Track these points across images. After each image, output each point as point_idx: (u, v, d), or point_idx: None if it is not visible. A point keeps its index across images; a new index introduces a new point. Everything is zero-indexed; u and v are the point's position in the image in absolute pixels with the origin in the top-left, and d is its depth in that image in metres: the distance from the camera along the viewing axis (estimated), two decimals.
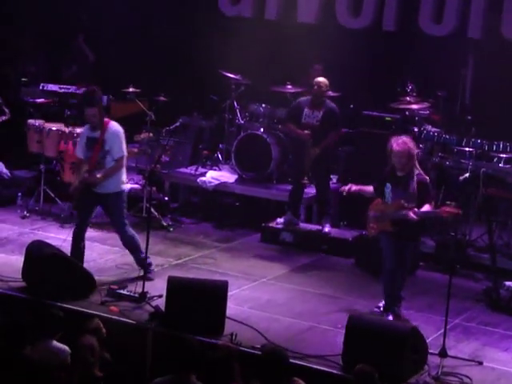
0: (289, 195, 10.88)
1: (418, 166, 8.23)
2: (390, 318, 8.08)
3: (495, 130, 10.81)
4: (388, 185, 8.22)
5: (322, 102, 10.46)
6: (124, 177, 8.91)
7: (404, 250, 8.22)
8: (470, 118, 11.14)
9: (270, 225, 10.88)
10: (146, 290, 8.36)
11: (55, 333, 6.92)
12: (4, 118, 10.49)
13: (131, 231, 8.93)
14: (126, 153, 8.93)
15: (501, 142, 10.30)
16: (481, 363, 7.56)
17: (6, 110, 10.49)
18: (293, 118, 10.71)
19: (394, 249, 8.21)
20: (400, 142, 8.17)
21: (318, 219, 10.98)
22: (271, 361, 6.15)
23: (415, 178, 8.09)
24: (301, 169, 10.59)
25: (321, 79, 10.52)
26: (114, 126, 8.85)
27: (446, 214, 7.95)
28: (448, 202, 8.14)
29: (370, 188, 8.47)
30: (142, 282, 8.39)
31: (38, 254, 8.54)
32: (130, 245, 8.92)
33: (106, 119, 8.84)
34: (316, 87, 10.47)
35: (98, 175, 8.67)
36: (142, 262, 8.75)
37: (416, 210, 7.98)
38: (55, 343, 6.85)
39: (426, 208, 8.01)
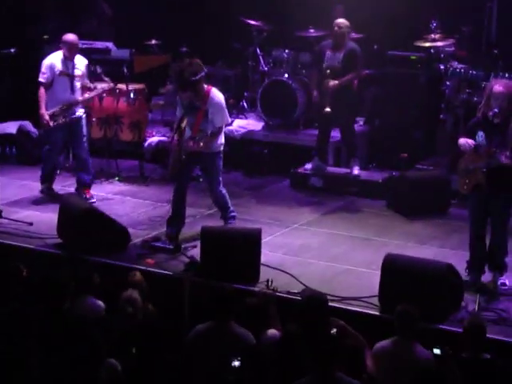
0: (316, 141, 10.84)
1: None
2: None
3: None
4: (480, 133, 7.49)
5: (344, 43, 10.33)
6: (222, 138, 8.75)
7: (500, 205, 7.55)
8: (496, 51, 10.99)
9: (299, 170, 10.88)
10: (180, 240, 8.42)
11: (89, 288, 7.00)
12: (106, 87, 10.25)
13: (223, 190, 8.83)
14: (228, 120, 8.92)
15: None
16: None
17: (106, 79, 10.30)
18: (316, 63, 10.63)
19: (482, 209, 7.62)
20: (503, 83, 7.56)
21: (347, 162, 10.95)
22: (311, 305, 6.19)
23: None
24: (321, 103, 10.46)
25: (341, 20, 10.37)
26: (216, 95, 8.58)
27: None
28: None
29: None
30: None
31: (71, 210, 8.61)
32: (221, 203, 8.84)
33: (206, 87, 8.56)
34: (336, 28, 10.32)
35: (201, 144, 8.45)
36: (226, 218, 8.80)
37: (508, 153, 7.31)
38: (92, 299, 6.92)
39: None
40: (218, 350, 6.32)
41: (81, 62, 9.87)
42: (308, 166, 10.85)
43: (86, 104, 10.10)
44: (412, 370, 5.98)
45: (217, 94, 8.62)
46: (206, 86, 8.58)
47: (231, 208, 8.88)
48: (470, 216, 7.89)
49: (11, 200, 9.85)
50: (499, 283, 7.69)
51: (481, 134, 7.52)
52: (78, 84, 9.80)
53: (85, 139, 10.01)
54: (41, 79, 9.76)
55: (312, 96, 10.98)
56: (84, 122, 10.02)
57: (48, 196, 9.99)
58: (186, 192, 8.81)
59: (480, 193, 7.61)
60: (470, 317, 6.75)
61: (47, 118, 9.68)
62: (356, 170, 10.59)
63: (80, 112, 9.90)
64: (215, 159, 8.73)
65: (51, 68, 9.73)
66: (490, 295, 7.54)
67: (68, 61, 9.74)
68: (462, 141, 7.61)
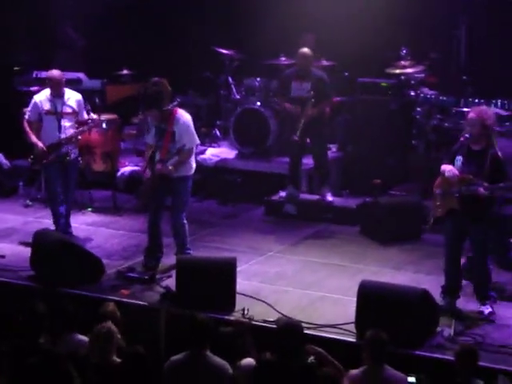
0: (288, 169, 10.86)
1: (495, 142, 7.49)
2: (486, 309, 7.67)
3: (492, 88, 10.80)
4: (459, 157, 7.52)
5: (309, 72, 10.34)
6: (193, 162, 8.73)
7: (476, 233, 7.58)
8: (465, 77, 11.13)
9: (273, 198, 10.90)
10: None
11: (73, 325, 6.93)
12: (89, 125, 9.45)
13: (185, 220, 8.72)
14: (197, 141, 8.77)
15: (498, 100, 10.29)
16: (492, 321, 7.61)
17: (93, 116, 9.60)
18: (282, 91, 10.64)
19: (457, 233, 7.66)
20: (476, 110, 7.58)
21: (319, 189, 10.96)
22: (287, 333, 6.18)
23: (491, 155, 7.37)
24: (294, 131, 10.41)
25: (305, 50, 10.35)
26: (183, 116, 8.55)
27: None
28: None
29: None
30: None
31: (44, 242, 8.55)
32: (179, 234, 8.73)
33: (173, 109, 8.53)
34: (301, 59, 10.32)
35: (170, 167, 8.44)
36: (182, 252, 8.69)
37: (486, 184, 7.29)
38: (77, 336, 6.84)
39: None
40: (194, 381, 6.29)
41: (72, 99, 9.39)
42: (282, 193, 10.87)
43: (72, 142, 9.39)
44: None
45: (183, 115, 8.61)
46: (173, 108, 8.57)
47: (188, 245, 8.77)
48: (444, 240, 7.92)
49: None
50: (486, 312, 7.66)
51: (459, 159, 7.55)
52: (67, 123, 9.32)
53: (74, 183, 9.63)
54: (25, 115, 9.48)
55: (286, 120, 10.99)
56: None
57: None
58: (159, 220, 8.75)
59: (454, 217, 7.65)
60: (462, 343, 6.76)
61: (41, 144, 9.23)
62: (329, 197, 10.62)
63: (74, 153, 9.46)
64: (185, 183, 8.69)
65: (36, 106, 9.33)
66: (465, 320, 7.57)
67: (56, 98, 9.29)
68: (447, 169, 7.53)
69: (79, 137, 9.53)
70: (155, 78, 8.63)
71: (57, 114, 9.28)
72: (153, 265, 8.66)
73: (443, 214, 7.70)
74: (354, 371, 6.29)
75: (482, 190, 7.34)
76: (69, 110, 9.36)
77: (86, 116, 9.54)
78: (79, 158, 9.73)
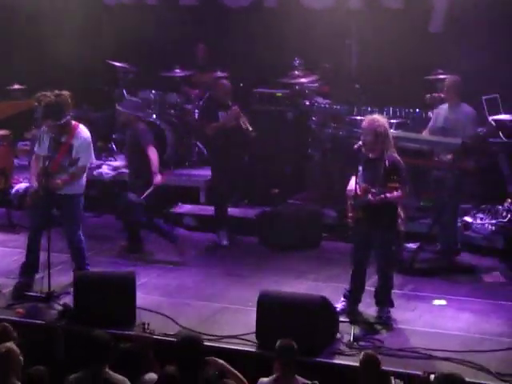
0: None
1: (391, 148, 7.71)
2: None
3: (384, 96, 11.01)
4: (360, 167, 7.68)
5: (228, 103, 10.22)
6: (84, 180, 8.55)
7: (379, 241, 7.73)
8: (358, 86, 11.32)
9: (172, 210, 10.85)
10: (52, 288, 8.23)
11: None
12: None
13: (82, 236, 8.57)
14: (93, 159, 8.67)
15: (390, 108, 10.50)
16: (390, 326, 7.75)
17: None
18: (208, 118, 10.39)
19: (362, 241, 7.80)
20: (369, 119, 7.75)
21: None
22: (187, 346, 6.14)
23: (386, 160, 7.59)
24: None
25: (226, 82, 10.34)
26: (83, 132, 8.44)
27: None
28: None
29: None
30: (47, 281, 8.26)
31: None
32: (77, 249, 8.58)
33: (74, 123, 8.42)
34: (226, 93, 10.19)
35: (59, 181, 8.28)
36: (80, 268, 8.54)
37: (374, 190, 7.48)
38: None
39: (394, 193, 7.50)
40: None
41: None
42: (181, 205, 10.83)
43: None
44: None
45: (84, 131, 8.53)
46: (73, 122, 8.47)
47: (87, 261, 8.65)
48: (352, 248, 8.01)
49: None
50: (385, 317, 7.81)
51: (360, 169, 7.71)
52: None
53: None
54: None
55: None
56: None
57: None
58: (40, 236, 8.41)
59: (360, 227, 7.76)
60: (365, 351, 6.82)
61: None
62: (225, 241, 10.16)
63: None
64: (74, 201, 8.53)
65: None
66: (364, 325, 7.68)
67: None
68: (348, 188, 7.76)
69: None
70: (58, 90, 8.51)
71: None
72: (27, 281, 8.45)
73: (353, 223, 7.80)
74: (264, 380, 6.28)
75: (370, 195, 7.49)
76: None
77: None
78: None
